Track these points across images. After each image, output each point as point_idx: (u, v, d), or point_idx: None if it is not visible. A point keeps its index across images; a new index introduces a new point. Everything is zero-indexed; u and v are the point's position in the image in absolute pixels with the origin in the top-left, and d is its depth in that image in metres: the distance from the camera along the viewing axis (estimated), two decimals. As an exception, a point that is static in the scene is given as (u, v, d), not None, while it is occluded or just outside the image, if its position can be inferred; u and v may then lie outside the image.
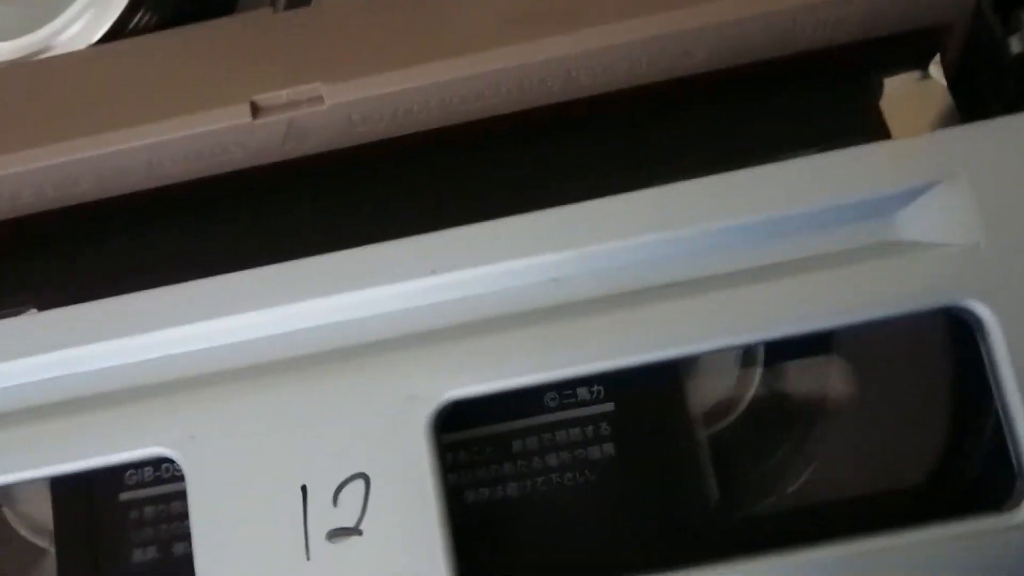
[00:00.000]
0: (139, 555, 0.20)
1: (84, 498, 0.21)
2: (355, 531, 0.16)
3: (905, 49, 0.21)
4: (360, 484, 0.16)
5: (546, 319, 0.17)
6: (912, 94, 0.21)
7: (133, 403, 0.17)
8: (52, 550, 0.21)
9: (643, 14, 0.19)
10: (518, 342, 0.17)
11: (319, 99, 0.20)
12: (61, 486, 0.21)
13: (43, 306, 0.20)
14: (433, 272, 0.17)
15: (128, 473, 0.21)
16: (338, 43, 0.21)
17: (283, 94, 0.20)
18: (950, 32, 0.21)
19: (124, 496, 0.21)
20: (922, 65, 0.21)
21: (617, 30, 0.19)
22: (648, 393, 0.20)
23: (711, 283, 0.17)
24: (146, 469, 0.21)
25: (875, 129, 0.20)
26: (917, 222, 0.17)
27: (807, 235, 0.17)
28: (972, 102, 0.21)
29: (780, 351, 0.20)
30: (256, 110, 0.20)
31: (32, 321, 0.18)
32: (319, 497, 0.16)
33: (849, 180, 0.17)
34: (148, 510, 0.21)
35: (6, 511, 0.22)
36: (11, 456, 0.17)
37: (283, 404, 0.17)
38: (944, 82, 0.21)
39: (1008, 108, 0.20)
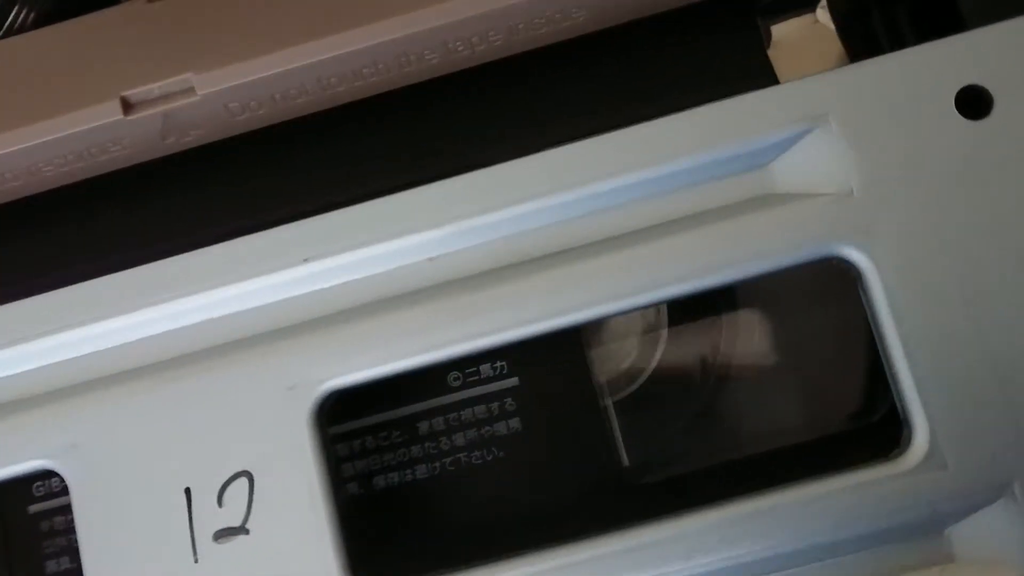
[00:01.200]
0: (53, 566, 0.20)
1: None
2: (242, 530, 0.16)
3: (793, -6, 0.20)
4: (244, 482, 0.16)
5: (422, 300, 0.17)
6: (800, 40, 0.21)
7: (10, 416, 0.17)
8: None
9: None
10: (395, 326, 0.17)
11: (191, 90, 0.19)
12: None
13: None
14: (305, 260, 0.17)
15: (36, 485, 0.20)
16: (209, 30, 0.20)
17: (155, 87, 0.19)
18: (836, -28, 0.20)
19: (33, 508, 0.20)
20: (809, 9, 0.21)
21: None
22: (552, 365, 0.20)
23: (591, 249, 0.17)
24: (53, 480, 0.20)
25: (764, 78, 0.20)
26: (791, 171, 0.16)
27: (681, 193, 0.17)
28: (861, 45, 0.20)
29: (680, 313, 0.20)
30: (127, 106, 0.19)
31: None
32: (204, 498, 0.16)
33: (721, 133, 0.16)
34: (58, 520, 0.20)
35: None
36: None
37: (162, 405, 0.17)
38: (832, 26, 0.20)
39: (895, 48, 0.20)
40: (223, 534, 0.16)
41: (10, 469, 0.16)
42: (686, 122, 0.16)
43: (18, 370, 0.17)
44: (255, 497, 0.16)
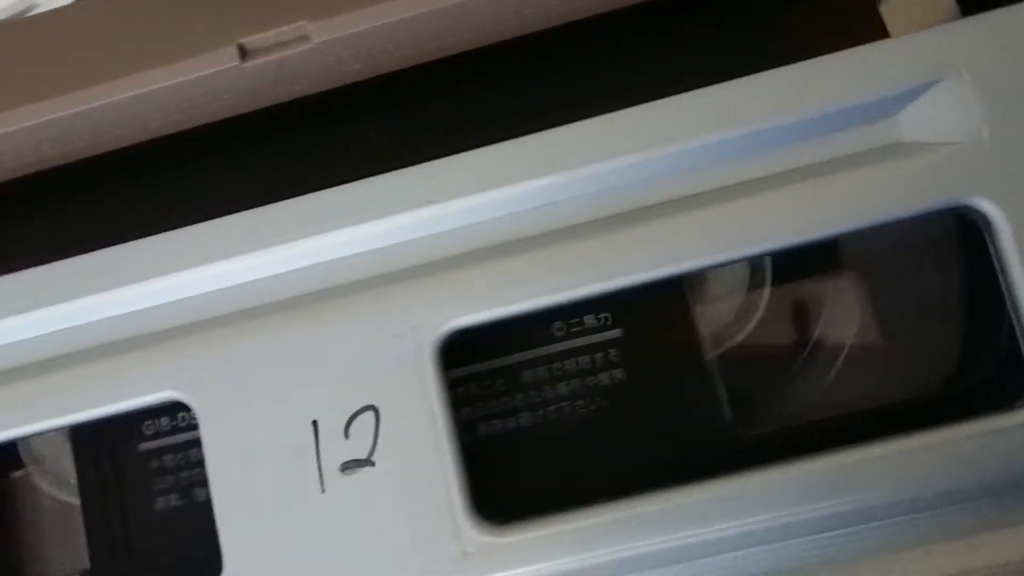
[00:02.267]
0: (162, 503, 0.21)
1: (105, 451, 0.21)
2: (367, 462, 0.16)
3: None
4: (370, 416, 0.16)
5: (545, 244, 0.17)
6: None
7: (142, 350, 0.17)
8: (78, 504, 0.21)
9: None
10: (518, 268, 0.17)
11: (305, 38, 0.20)
12: (82, 441, 0.21)
13: (47, 262, 0.20)
14: (429, 202, 0.17)
15: (146, 423, 0.21)
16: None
17: (270, 35, 0.20)
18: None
19: (144, 446, 0.21)
20: (923, -36, 0.20)
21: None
22: (656, 317, 0.20)
23: (713, 196, 0.17)
24: (163, 419, 0.21)
25: (875, 34, 0.20)
26: (919, 122, 0.16)
27: (809, 141, 0.17)
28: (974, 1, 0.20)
29: (786, 270, 0.20)
30: (244, 53, 0.20)
31: (36, 274, 0.18)
32: (331, 431, 0.17)
33: (848, 83, 0.16)
34: (167, 458, 0.21)
35: (32, 470, 0.22)
36: (25, 409, 0.17)
37: (289, 342, 0.17)
38: (946, -19, 0.20)
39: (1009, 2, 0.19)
40: (349, 466, 0.16)
41: (143, 399, 0.17)
42: (815, 70, 0.16)
43: (151, 304, 0.17)
44: (381, 431, 0.16)
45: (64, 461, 0.22)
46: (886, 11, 0.20)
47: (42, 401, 0.17)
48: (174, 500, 0.21)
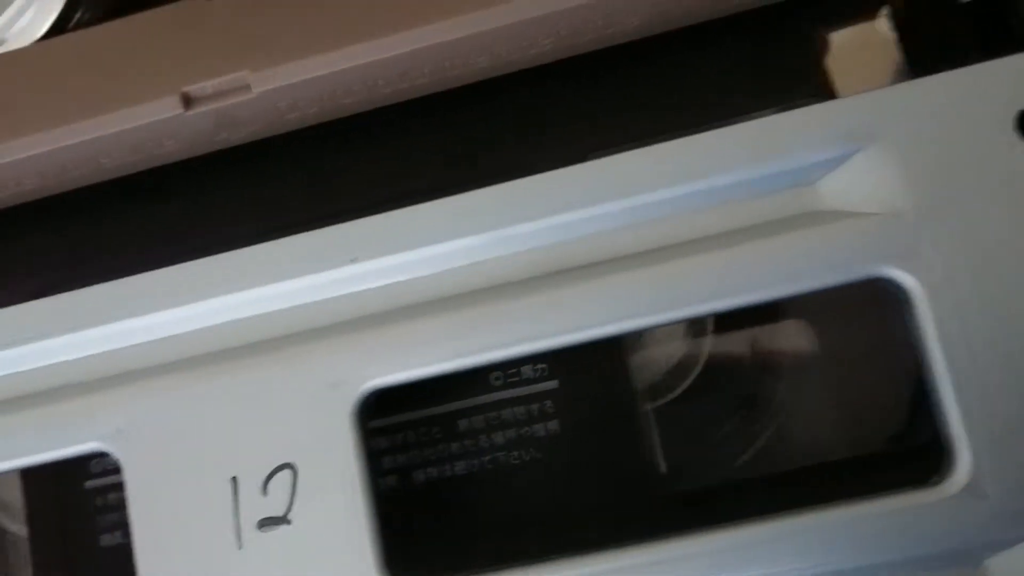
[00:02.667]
0: (107, 539, 0.21)
1: (53, 486, 0.21)
2: (284, 520, 0.17)
3: (852, 1, 0.20)
4: (288, 474, 0.17)
5: (467, 303, 0.17)
6: (860, 48, 0.20)
7: (68, 400, 0.18)
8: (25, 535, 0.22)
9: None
10: (437, 328, 0.17)
11: (247, 87, 0.20)
12: (32, 476, 0.21)
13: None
14: (353, 260, 0.17)
15: (93, 461, 0.21)
16: (266, 29, 0.20)
17: (211, 84, 0.20)
18: (897, -18, 0.20)
19: (90, 484, 0.21)
20: (869, 18, 0.20)
21: (544, 2, 0.19)
22: (592, 369, 0.20)
23: (634, 260, 0.17)
24: (108, 458, 0.21)
25: (821, 88, 0.20)
26: (840, 190, 0.16)
27: (729, 207, 0.17)
28: (922, 53, 0.20)
29: (724, 322, 0.20)
30: (188, 101, 0.20)
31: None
32: (249, 487, 0.17)
33: (768, 149, 0.16)
34: (112, 496, 0.21)
35: (-17, 501, 0.23)
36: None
37: (211, 395, 0.17)
38: (892, 35, 0.20)
39: (959, 58, 0.19)
40: (267, 523, 0.17)
41: (69, 449, 0.17)
42: (734, 136, 0.16)
43: (77, 355, 0.18)
44: (298, 489, 0.17)
45: (14, 491, 0.22)
46: (833, 63, 0.20)
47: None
48: (118, 537, 0.21)
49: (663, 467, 0.20)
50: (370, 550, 0.16)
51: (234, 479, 0.17)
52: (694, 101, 0.20)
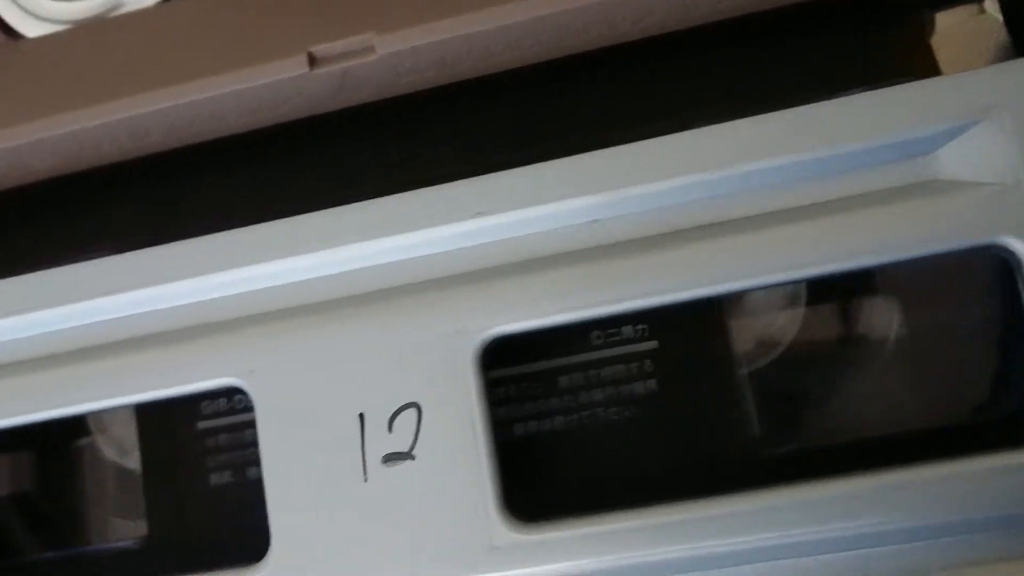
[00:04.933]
0: (216, 479, 0.22)
1: (166, 426, 0.23)
2: (408, 456, 0.17)
3: (960, -17, 0.20)
4: (413, 413, 0.18)
5: (587, 259, 0.18)
6: (965, 30, 0.21)
7: (207, 337, 0.19)
8: (139, 473, 0.23)
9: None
10: (559, 281, 0.18)
11: (371, 49, 0.21)
12: (146, 415, 0.23)
13: (125, 249, 0.22)
14: (479, 214, 0.18)
15: (204, 403, 0.22)
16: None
17: (338, 45, 0.21)
18: (1006, -36, 0.20)
19: (201, 425, 0.22)
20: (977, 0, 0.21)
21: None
22: (691, 331, 0.20)
23: (751, 223, 0.18)
24: (220, 400, 0.22)
25: (926, 68, 0.20)
26: (957, 160, 0.17)
27: (848, 175, 0.17)
28: (1028, 37, 0.20)
29: (822, 291, 0.20)
30: (313, 61, 0.21)
31: (113, 262, 0.19)
32: (375, 424, 0.18)
33: (889, 120, 0.17)
34: (223, 438, 0.22)
35: (98, 437, 0.24)
36: (96, 386, 0.19)
37: (342, 338, 0.18)
38: (999, 16, 0.20)
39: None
40: (391, 458, 0.18)
41: (205, 383, 0.18)
42: (856, 106, 0.17)
43: (216, 295, 0.19)
44: (422, 428, 0.17)
45: (128, 430, 0.23)
46: (938, 45, 0.21)
47: (114, 380, 0.19)
48: (228, 477, 0.22)
49: (757, 429, 0.20)
50: (490, 487, 0.17)
51: (361, 416, 0.18)
52: (801, 80, 0.20)
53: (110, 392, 0.19)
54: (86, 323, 0.19)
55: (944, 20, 0.21)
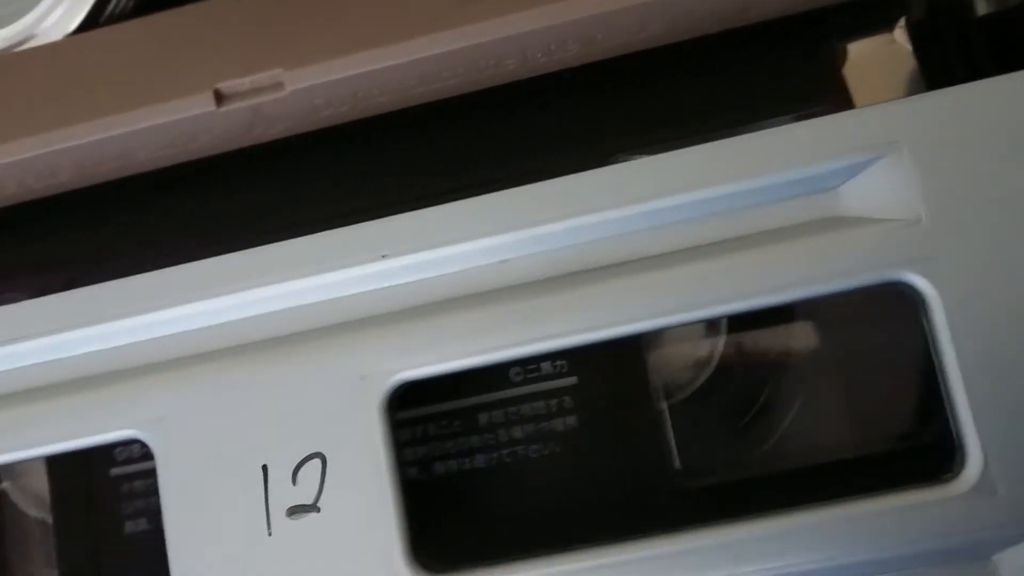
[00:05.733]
0: (131, 527, 0.22)
1: (79, 473, 0.22)
2: (313, 508, 0.17)
3: (870, 13, 0.21)
4: (318, 463, 0.17)
5: (493, 300, 0.17)
6: (878, 60, 0.21)
7: (104, 388, 0.18)
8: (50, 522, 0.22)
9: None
10: (468, 323, 0.17)
11: (280, 85, 0.20)
12: (57, 463, 0.22)
13: (30, 291, 0.21)
14: (384, 256, 0.18)
15: (118, 449, 0.22)
16: (300, 27, 0.21)
17: (246, 81, 0.20)
18: (915, -6, 0.20)
19: (115, 471, 0.22)
20: (887, 29, 0.21)
21: (572, 6, 0.19)
22: (610, 366, 0.20)
23: (656, 261, 0.17)
24: (134, 446, 0.22)
25: (838, 96, 0.20)
26: (860, 196, 0.17)
27: (750, 211, 0.17)
28: (937, 65, 0.20)
29: (742, 322, 0.20)
30: (220, 98, 0.21)
31: (7, 311, 0.19)
32: (279, 476, 0.17)
33: (792, 156, 0.17)
34: (138, 484, 0.22)
35: (7, 486, 0.23)
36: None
37: (244, 386, 0.18)
38: (909, 47, 0.20)
39: (974, 71, 0.20)
40: (296, 511, 0.17)
41: (103, 436, 0.18)
42: (758, 143, 0.17)
43: (112, 345, 0.18)
44: (327, 478, 0.17)
45: (39, 479, 0.23)
46: (850, 74, 0.21)
47: (12, 433, 0.18)
48: (142, 524, 0.22)
49: (677, 463, 0.20)
50: (397, 538, 0.17)
51: (265, 467, 0.17)
52: (714, 108, 0.20)
53: (8, 446, 0.18)
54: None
55: (857, 50, 0.21)
